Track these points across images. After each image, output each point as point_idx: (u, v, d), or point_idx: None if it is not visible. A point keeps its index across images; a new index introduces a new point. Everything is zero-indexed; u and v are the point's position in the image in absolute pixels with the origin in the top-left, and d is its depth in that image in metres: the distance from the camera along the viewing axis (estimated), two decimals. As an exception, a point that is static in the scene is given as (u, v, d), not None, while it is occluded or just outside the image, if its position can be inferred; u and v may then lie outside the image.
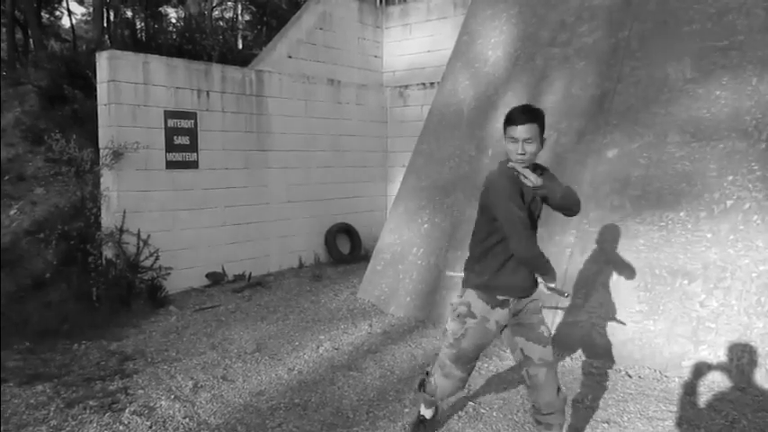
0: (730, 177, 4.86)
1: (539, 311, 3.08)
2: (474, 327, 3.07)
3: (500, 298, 3.03)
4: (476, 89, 6.81)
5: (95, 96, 7.01)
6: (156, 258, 6.95)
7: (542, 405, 3.03)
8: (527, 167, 2.87)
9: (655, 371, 4.60)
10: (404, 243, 6.71)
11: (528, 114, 2.83)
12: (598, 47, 6.02)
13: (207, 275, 7.62)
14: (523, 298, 3.08)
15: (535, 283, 3.09)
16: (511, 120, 2.86)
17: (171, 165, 7.20)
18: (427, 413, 3.61)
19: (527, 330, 3.04)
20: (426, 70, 10.04)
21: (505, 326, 3.13)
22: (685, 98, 5.30)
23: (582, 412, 3.98)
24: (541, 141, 2.88)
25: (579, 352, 4.97)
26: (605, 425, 3.81)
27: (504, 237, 2.94)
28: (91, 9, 22.15)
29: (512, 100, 6.39)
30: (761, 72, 5.01)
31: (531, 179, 2.79)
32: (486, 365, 4.80)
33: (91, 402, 4.21)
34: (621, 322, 4.86)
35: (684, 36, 5.51)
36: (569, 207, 3.01)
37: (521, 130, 2.82)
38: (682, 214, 4.96)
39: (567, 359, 4.91)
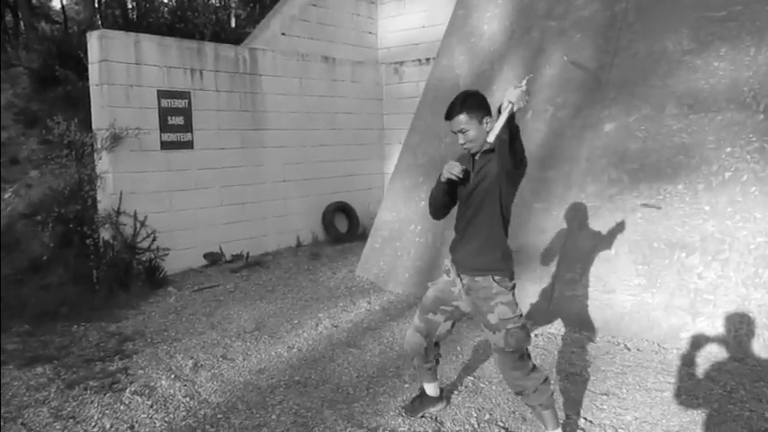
0: (728, 149, 4.84)
1: (491, 298, 3.04)
2: (443, 281, 3.32)
3: (452, 264, 3.24)
4: (471, 64, 6.75)
5: (88, 77, 6.94)
6: (154, 239, 6.93)
7: (508, 386, 3.15)
8: (488, 150, 2.99)
9: (653, 343, 4.62)
10: (401, 220, 6.69)
11: (455, 106, 2.96)
12: (595, 19, 5.95)
13: (205, 256, 7.61)
14: (470, 276, 3.12)
15: (478, 267, 3.09)
16: (445, 115, 3.01)
17: (166, 145, 7.15)
18: (428, 389, 3.63)
19: (479, 314, 3.14)
20: (421, 46, 9.94)
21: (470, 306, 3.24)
22: (683, 70, 5.26)
23: (581, 385, 4.00)
24: (482, 122, 2.96)
25: (578, 325, 4.99)
26: (604, 397, 3.83)
27: (456, 214, 3.23)
28: (81, -11, 21.82)
29: (508, 74, 6.34)
30: (758, 42, 4.97)
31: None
32: (484, 341, 4.82)
33: (91, 383, 4.22)
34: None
35: (682, 7, 5.45)
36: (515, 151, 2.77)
37: (452, 124, 2.99)
38: (680, 187, 4.95)
39: (566, 332, 4.93)
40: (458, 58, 6.92)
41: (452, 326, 3.42)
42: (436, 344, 3.48)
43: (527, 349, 3.12)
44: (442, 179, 3.02)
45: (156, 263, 6.87)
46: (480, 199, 3.06)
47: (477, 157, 3.10)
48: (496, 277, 3.06)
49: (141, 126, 6.86)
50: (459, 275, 3.20)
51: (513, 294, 3.11)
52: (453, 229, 3.29)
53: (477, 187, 3.06)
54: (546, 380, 3.09)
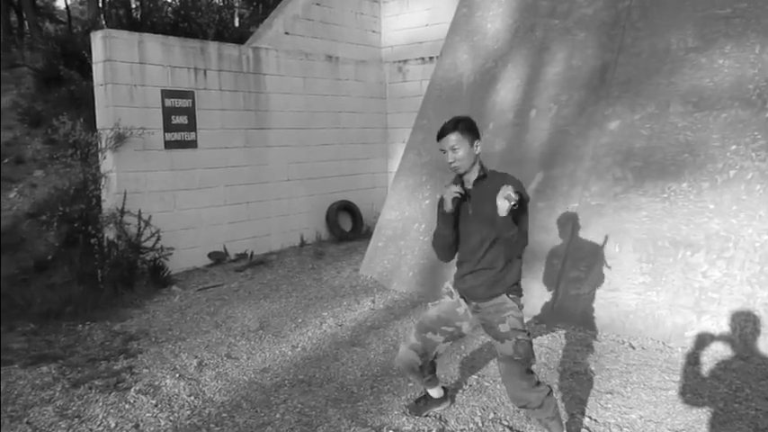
0: (733, 147, 4.82)
1: (502, 311, 3.07)
2: (447, 302, 3.31)
3: (457, 291, 3.25)
4: (475, 62, 6.74)
5: (92, 77, 6.95)
6: (158, 239, 6.95)
7: (511, 398, 3.11)
8: (481, 177, 3.09)
9: (658, 342, 4.61)
10: (405, 219, 6.69)
11: (449, 126, 3.04)
12: (598, 17, 5.94)
13: (209, 255, 7.62)
14: (479, 302, 3.14)
15: (491, 295, 3.10)
16: (438, 135, 3.07)
17: (170, 145, 7.16)
18: (432, 392, 3.63)
19: (488, 328, 3.15)
20: (425, 44, 9.93)
21: (475, 322, 3.26)
22: (688, 68, 5.24)
23: (585, 383, 4.00)
24: (472, 144, 3.03)
25: (583, 324, 4.98)
26: (609, 395, 3.82)
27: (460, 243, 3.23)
28: (85, -11, 21.82)
29: (511, 72, 6.33)
30: (764, 40, 4.94)
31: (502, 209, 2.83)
32: (488, 340, 4.80)
33: (96, 382, 4.23)
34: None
35: (686, 5, 5.43)
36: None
37: (444, 142, 3.04)
38: (684, 185, 4.93)
39: (571, 331, 4.92)
40: (461, 57, 6.91)
41: (450, 347, 3.42)
42: (432, 364, 3.46)
43: (532, 366, 3.11)
44: (447, 207, 3.03)
45: (160, 262, 6.89)
46: (490, 228, 3.01)
47: (468, 185, 3.10)
48: (511, 295, 3.12)
49: (145, 125, 6.87)
50: (463, 298, 3.21)
51: (522, 313, 3.15)
52: (457, 264, 3.25)
53: (485, 217, 3.01)
54: (550, 393, 3.06)
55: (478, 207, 3.06)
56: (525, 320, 3.29)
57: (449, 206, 3.02)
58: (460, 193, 2.98)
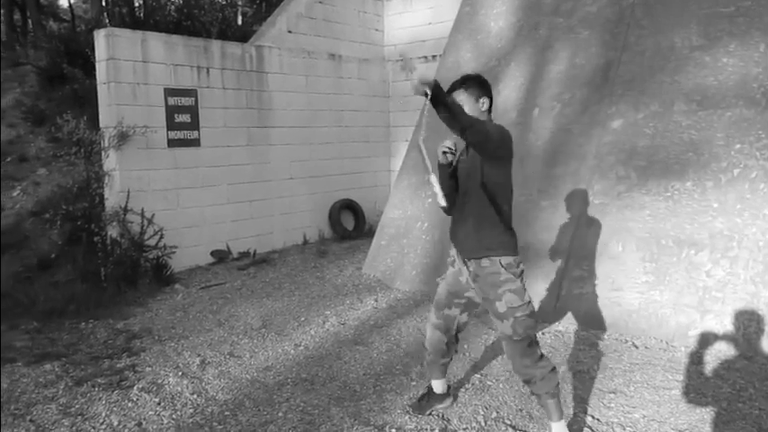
0: (737, 146, 4.80)
1: (499, 285, 3.04)
2: (451, 273, 3.41)
3: (457, 253, 3.28)
4: (478, 61, 6.73)
5: (95, 75, 6.96)
6: (161, 237, 6.95)
7: (516, 374, 3.19)
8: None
9: (661, 341, 4.60)
10: (408, 218, 6.69)
11: (457, 83, 3.18)
12: (602, 15, 5.92)
13: (212, 253, 7.63)
14: (469, 258, 3.15)
15: (480, 247, 3.09)
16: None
17: (172, 143, 7.17)
18: (436, 385, 3.63)
19: (487, 303, 3.14)
20: (428, 43, 9.92)
21: (476, 296, 3.26)
22: (692, 66, 5.23)
23: (588, 382, 3.99)
24: (477, 100, 3.13)
25: (585, 323, 4.97)
26: (612, 395, 3.82)
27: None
28: (88, -13, 21.83)
29: (515, 71, 6.32)
30: (769, 38, 4.93)
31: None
32: (491, 339, 4.81)
33: (99, 380, 4.24)
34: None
35: (690, 3, 5.41)
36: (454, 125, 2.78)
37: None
38: (688, 184, 4.92)
39: (574, 330, 4.91)
40: (464, 56, 6.90)
41: (469, 315, 3.46)
42: (456, 338, 3.52)
43: (535, 337, 3.14)
44: (440, 160, 3.14)
45: (163, 260, 6.89)
46: (467, 180, 3.16)
47: None
48: (504, 261, 3.06)
49: (148, 124, 6.88)
50: (464, 263, 3.21)
51: (522, 279, 3.11)
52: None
53: (464, 169, 3.20)
54: (553, 369, 3.12)
55: (465, 159, 3.21)
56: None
57: (441, 159, 3.14)
58: (450, 148, 3.10)
